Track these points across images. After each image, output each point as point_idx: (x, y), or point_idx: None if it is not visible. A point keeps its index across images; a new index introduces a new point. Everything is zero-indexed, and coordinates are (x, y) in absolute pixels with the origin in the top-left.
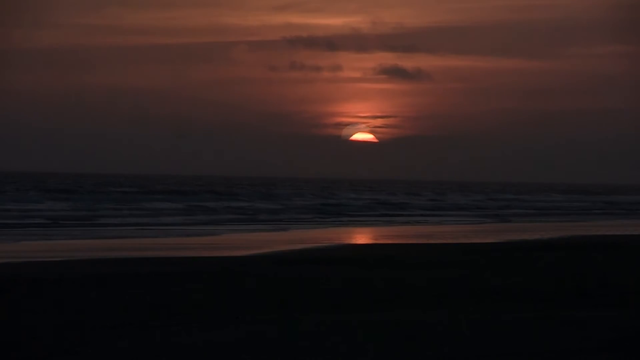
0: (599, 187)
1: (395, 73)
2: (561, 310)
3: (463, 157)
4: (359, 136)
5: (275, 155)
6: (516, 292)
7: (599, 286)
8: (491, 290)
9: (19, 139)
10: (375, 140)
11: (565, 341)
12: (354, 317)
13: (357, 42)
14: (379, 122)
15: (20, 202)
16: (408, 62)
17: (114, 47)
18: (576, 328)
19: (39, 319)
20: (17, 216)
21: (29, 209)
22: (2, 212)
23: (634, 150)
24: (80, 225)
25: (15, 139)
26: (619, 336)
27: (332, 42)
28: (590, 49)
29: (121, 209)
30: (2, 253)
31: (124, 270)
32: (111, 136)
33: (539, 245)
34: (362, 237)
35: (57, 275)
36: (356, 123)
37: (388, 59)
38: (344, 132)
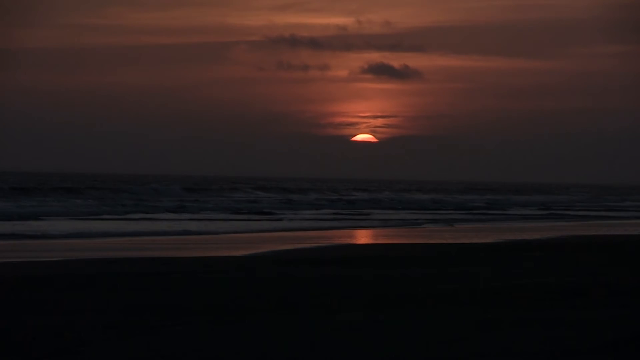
0: (599, 187)
1: (395, 73)
2: (560, 310)
3: (462, 156)
4: (359, 136)
5: (274, 154)
6: (516, 292)
7: (598, 286)
8: (491, 290)
9: (19, 139)
10: (375, 140)
11: (565, 341)
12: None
13: (355, 42)
14: (379, 122)
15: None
16: (408, 61)
17: (114, 47)
18: (575, 328)
19: (39, 319)
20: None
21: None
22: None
23: (635, 150)
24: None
25: (14, 138)
26: (618, 336)
27: (331, 42)
28: (590, 49)
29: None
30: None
31: (134, 269)
32: (111, 136)
33: (539, 245)
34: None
35: (62, 274)
36: (356, 123)
37: (387, 58)
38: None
